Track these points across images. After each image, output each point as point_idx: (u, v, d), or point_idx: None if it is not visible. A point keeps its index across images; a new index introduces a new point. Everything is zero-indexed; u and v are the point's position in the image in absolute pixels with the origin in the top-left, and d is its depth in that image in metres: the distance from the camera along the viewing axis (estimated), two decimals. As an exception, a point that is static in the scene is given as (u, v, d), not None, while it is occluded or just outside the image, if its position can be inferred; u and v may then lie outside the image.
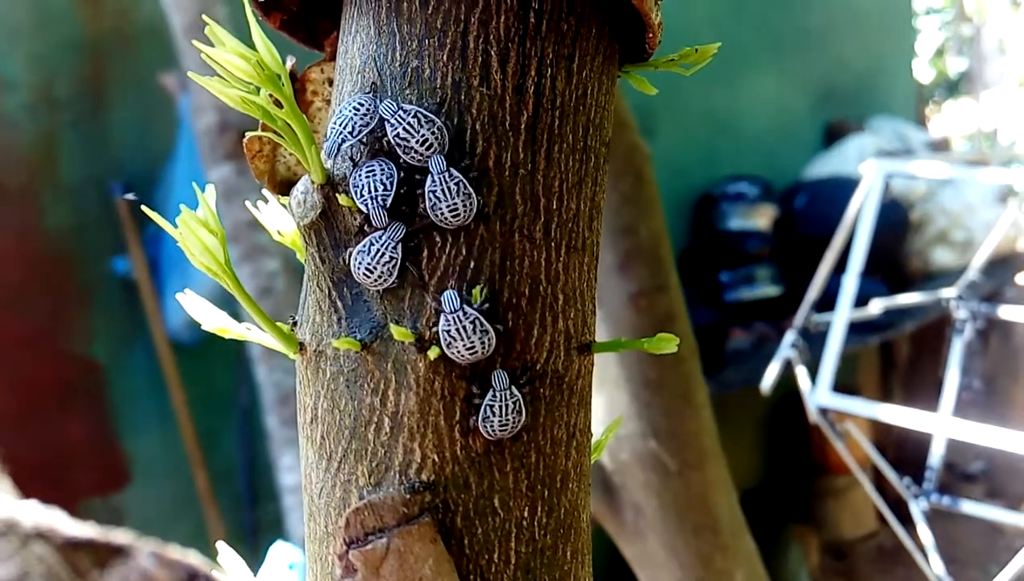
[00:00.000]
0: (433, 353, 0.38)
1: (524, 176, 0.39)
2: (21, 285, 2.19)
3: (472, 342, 0.38)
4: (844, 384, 1.79)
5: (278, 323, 0.41)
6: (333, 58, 0.47)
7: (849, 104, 4.04)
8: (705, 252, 3.33)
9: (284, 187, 0.50)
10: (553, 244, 0.40)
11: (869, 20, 4.24)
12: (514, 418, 0.39)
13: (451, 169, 0.38)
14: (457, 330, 0.38)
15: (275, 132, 0.40)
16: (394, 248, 0.38)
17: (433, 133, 0.38)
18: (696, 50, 0.44)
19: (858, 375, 3.68)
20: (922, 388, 3.50)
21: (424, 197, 0.38)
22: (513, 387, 0.39)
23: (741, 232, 3.30)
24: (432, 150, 0.38)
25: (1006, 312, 1.68)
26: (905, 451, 3.21)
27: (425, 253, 0.39)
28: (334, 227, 0.39)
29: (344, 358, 0.39)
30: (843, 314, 1.53)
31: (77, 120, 2.27)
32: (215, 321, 0.43)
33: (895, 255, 3.39)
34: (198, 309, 0.43)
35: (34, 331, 2.22)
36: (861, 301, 1.74)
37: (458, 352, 0.38)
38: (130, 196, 2.27)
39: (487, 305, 0.38)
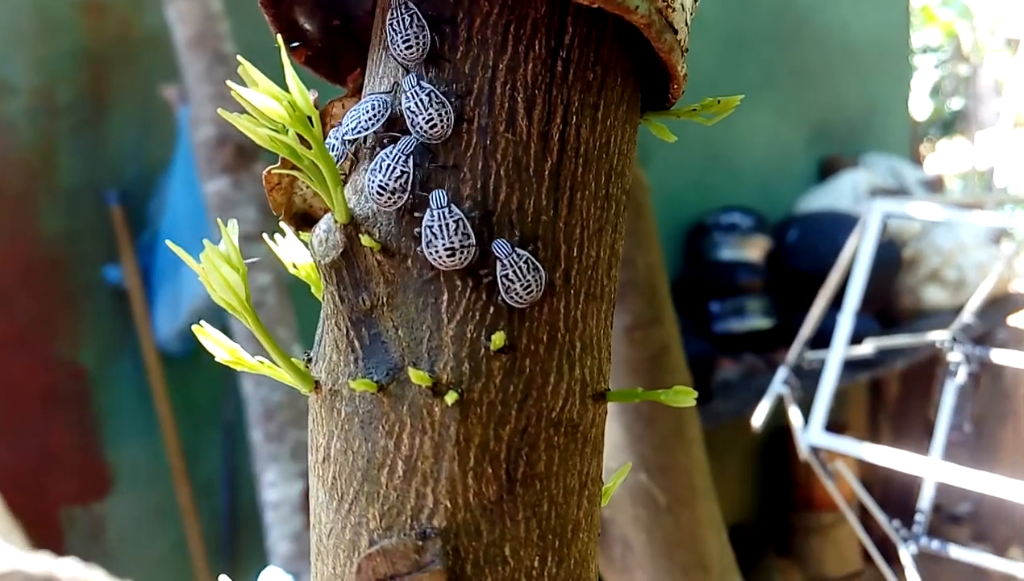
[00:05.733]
0: (450, 398, 0.37)
1: (546, 222, 0.39)
2: (11, 288, 2.18)
3: (452, 242, 0.38)
4: (832, 421, 1.79)
5: (293, 359, 0.41)
6: (355, 94, 0.47)
7: (844, 140, 4.07)
8: (696, 282, 3.34)
9: (299, 219, 0.50)
10: (572, 291, 0.40)
11: (866, 57, 4.28)
12: (534, 276, 0.38)
13: (421, 82, 0.39)
14: (440, 227, 0.38)
15: (296, 168, 0.40)
16: (405, 161, 0.39)
17: (441, 116, 0.38)
18: (718, 101, 0.44)
19: (847, 412, 3.69)
20: (910, 426, 3.52)
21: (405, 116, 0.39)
22: (517, 249, 0.38)
23: (733, 263, 3.31)
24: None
25: (1000, 356, 1.68)
26: (892, 488, 3.22)
27: (445, 297, 0.39)
28: (355, 267, 0.39)
29: (360, 399, 0.39)
30: (838, 353, 1.53)
31: (76, 127, 2.26)
32: (228, 351, 0.43)
33: (887, 292, 3.41)
34: (211, 339, 0.42)
35: (22, 334, 2.21)
36: (853, 338, 1.74)
37: (436, 252, 0.38)
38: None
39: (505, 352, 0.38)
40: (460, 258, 0.38)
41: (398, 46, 0.39)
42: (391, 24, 0.39)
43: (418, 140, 0.39)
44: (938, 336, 1.74)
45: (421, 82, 0.39)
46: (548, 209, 0.39)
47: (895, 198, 3.14)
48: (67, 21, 2.25)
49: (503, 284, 0.38)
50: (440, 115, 0.39)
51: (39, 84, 2.21)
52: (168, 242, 0.43)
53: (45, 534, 2.20)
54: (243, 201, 2.11)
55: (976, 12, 6.18)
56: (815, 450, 1.55)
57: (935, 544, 1.66)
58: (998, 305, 3.37)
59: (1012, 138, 5.93)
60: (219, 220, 0.40)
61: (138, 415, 2.37)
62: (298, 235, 0.47)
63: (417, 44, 0.39)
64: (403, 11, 0.39)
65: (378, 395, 0.39)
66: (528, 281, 0.38)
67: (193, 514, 2.37)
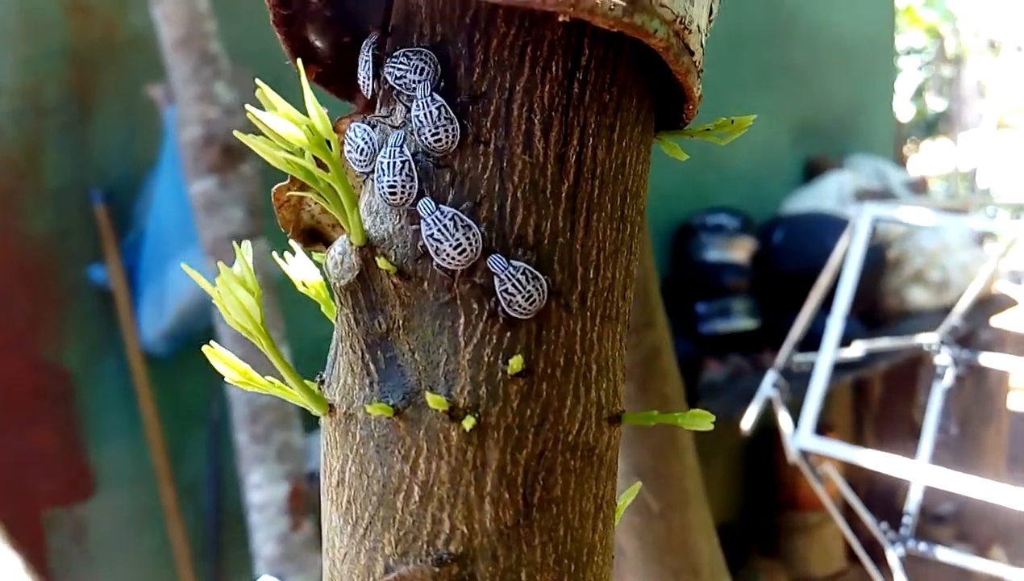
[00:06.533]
0: (468, 423, 0.37)
1: (563, 245, 0.39)
2: (-5, 287, 2.17)
3: (459, 240, 0.38)
4: (817, 421, 1.80)
5: (307, 382, 0.40)
6: (365, 110, 0.47)
7: (829, 141, 4.08)
8: (682, 283, 3.34)
9: (306, 235, 0.49)
10: (589, 313, 0.40)
11: (852, 58, 4.29)
12: (534, 285, 0.38)
13: (434, 94, 0.38)
14: (440, 230, 0.38)
15: (305, 187, 0.40)
16: (400, 152, 0.39)
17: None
18: (732, 121, 0.44)
19: (831, 412, 3.70)
20: (894, 426, 3.53)
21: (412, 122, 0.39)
22: (513, 261, 0.38)
23: (719, 264, 3.31)
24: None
25: (987, 359, 1.69)
26: (876, 488, 3.23)
27: (461, 320, 0.38)
28: (370, 290, 0.39)
29: (375, 423, 0.39)
30: (827, 357, 1.53)
31: (62, 127, 2.25)
32: (239, 373, 0.42)
33: (871, 293, 3.42)
34: (222, 360, 0.42)
35: (5, 334, 2.19)
36: (840, 340, 1.75)
37: (447, 256, 0.38)
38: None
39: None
40: (471, 251, 0.38)
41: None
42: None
43: (422, 151, 0.39)
44: (926, 339, 1.75)
45: (434, 94, 0.39)
46: (565, 231, 0.39)
47: (881, 200, 3.15)
48: (53, 21, 2.23)
49: (504, 299, 0.38)
50: (447, 130, 0.38)
51: (25, 84, 2.19)
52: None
53: (27, 536, 2.18)
54: (229, 201, 2.10)
55: (959, 14, 6.22)
56: (804, 454, 1.56)
57: (923, 547, 1.67)
58: (981, 306, 3.38)
59: (994, 140, 5.97)
60: (235, 244, 0.39)
61: (123, 416, 2.35)
62: (308, 253, 0.47)
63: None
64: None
65: (394, 419, 0.38)
66: (529, 291, 0.38)
67: (177, 516, 2.36)
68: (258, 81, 0.35)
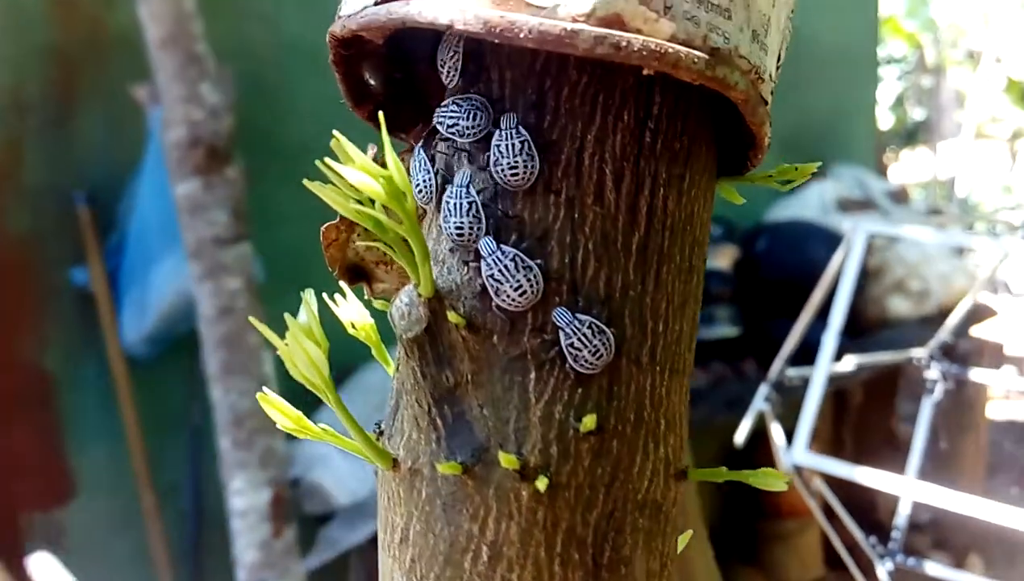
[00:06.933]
0: (542, 484, 0.36)
1: (634, 298, 0.38)
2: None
3: (520, 281, 0.37)
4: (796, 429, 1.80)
5: (368, 433, 0.39)
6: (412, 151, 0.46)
7: (811, 149, 4.09)
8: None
9: (350, 273, 0.48)
10: (658, 368, 0.39)
11: (835, 67, 4.31)
12: (601, 339, 0.37)
13: (519, 127, 0.37)
14: (501, 270, 0.37)
15: (348, 225, 0.39)
16: (467, 193, 0.38)
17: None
18: (796, 168, 0.43)
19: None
20: (874, 435, 3.55)
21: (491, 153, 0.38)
22: (578, 315, 0.37)
23: (703, 271, 3.31)
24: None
25: (977, 375, 1.70)
26: (854, 495, 3.24)
27: (532, 375, 0.37)
28: (439, 343, 0.38)
29: (442, 480, 0.38)
30: (822, 373, 1.53)
31: (44, 126, 2.21)
32: (292, 421, 0.41)
33: (853, 303, 3.43)
34: (277, 409, 0.41)
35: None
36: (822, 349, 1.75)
37: (507, 297, 0.37)
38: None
39: (593, 431, 0.37)
40: (532, 293, 0.37)
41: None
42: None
43: (494, 182, 0.38)
44: (916, 354, 1.76)
45: (520, 127, 0.38)
46: (636, 284, 0.38)
47: (863, 209, 3.17)
48: (36, 18, 2.20)
49: (570, 353, 0.37)
50: (526, 166, 0.37)
51: (6, 81, 2.16)
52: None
53: (5, 540, 2.15)
54: (214, 204, 2.07)
55: (940, 25, 6.28)
56: (798, 469, 1.56)
57: (911, 561, 1.68)
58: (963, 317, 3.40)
59: (973, 149, 6.03)
60: (303, 293, 0.38)
61: (103, 420, 2.32)
62: (363, 298, 0.46)
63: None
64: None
65: (462, 477, 0.37)
66: (596, 345, 0.37)
67: (157, 520, 2.33)
68: (335, 133, 0.34)
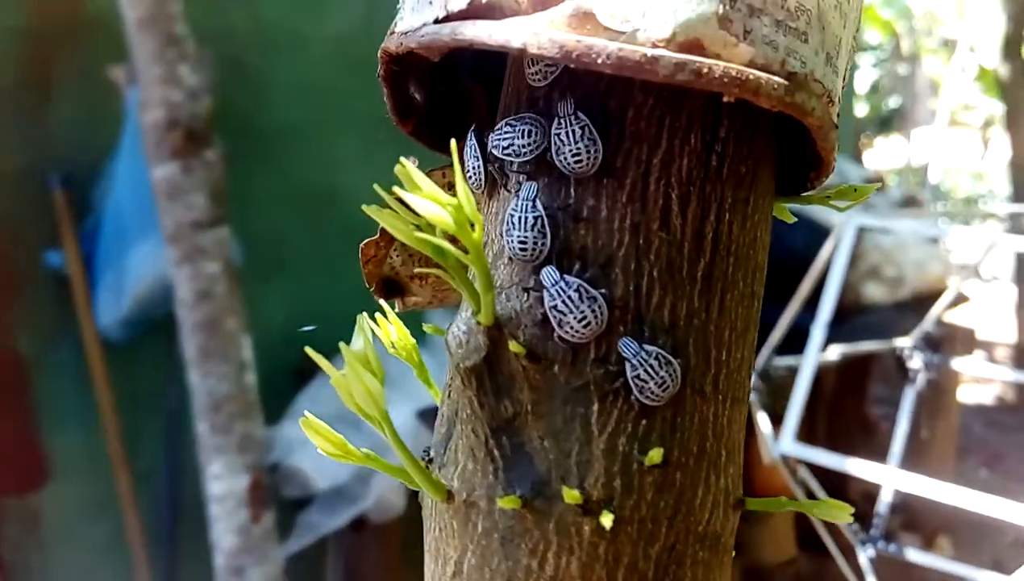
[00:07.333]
0: (606, 520, 0.35)
1: (698, 326, 0.37)
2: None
3: (584, 312, 0.36)
4: (774, 414, 1.80)
5: (421, 462, 0.38)
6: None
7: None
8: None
9: (385, 288, 0.47)
10: (720, 397, 0.38)
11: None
12: (667, 371, 0.36)
13: (578, 113, 0.36)
14: (565, 302, 0.36)
15: (388, 239, 0.38)
16: (533, 207, 0.37)
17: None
18: (855, 189, 0.42)
19: (781, 404, 3.72)
20: (847, 419, 3.57)
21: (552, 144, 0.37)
22: (645, 346, 0.36)
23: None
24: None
25: (959, 364, 1.71)
26: (827, 478, 3.27)
27: (595, 407, 0.36)
28: (497, 372, 0.37)
29: (500, 513, 0.37)
30: (811, 364, 1.54)
31: (18, 108, 2.17)
32: (334, 445, 0.40)
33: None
34: (318, 433, 0.39)
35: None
36: (801, 333, 1.74)
37: (571, 329, 0.36)
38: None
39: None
40: (596, 324, 0.36)
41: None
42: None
43: (561, 171, 0.37)
44: (900, 343, 1.77)
45: (578, 113, 0.36)
46: (700, 312, 0.37)
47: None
48: (11, -3, 2.16)
49: (636, 385, 0.36)
50: (589, 151, 0.36)
51: (-20, 63, 2.12)
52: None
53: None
54: (192, 187, 2.04)
55: (916, 13, 6.31)
56: (785, 459, 1.57)
57: (892, 548, 1.69)
58: (934, 301, 3.43)
59: (946, 136, 6.07)
60: (358, 317, 0.37)
61: (78, 404, 2.29)
62: (392, 306, 0.45)
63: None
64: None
65: (521, 510, 0.36)
66: (662, 377, 0.36)
67: (133, 505, 2.31)
68: (402, 160, 0.32)
